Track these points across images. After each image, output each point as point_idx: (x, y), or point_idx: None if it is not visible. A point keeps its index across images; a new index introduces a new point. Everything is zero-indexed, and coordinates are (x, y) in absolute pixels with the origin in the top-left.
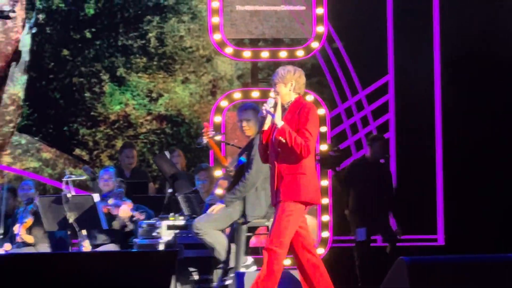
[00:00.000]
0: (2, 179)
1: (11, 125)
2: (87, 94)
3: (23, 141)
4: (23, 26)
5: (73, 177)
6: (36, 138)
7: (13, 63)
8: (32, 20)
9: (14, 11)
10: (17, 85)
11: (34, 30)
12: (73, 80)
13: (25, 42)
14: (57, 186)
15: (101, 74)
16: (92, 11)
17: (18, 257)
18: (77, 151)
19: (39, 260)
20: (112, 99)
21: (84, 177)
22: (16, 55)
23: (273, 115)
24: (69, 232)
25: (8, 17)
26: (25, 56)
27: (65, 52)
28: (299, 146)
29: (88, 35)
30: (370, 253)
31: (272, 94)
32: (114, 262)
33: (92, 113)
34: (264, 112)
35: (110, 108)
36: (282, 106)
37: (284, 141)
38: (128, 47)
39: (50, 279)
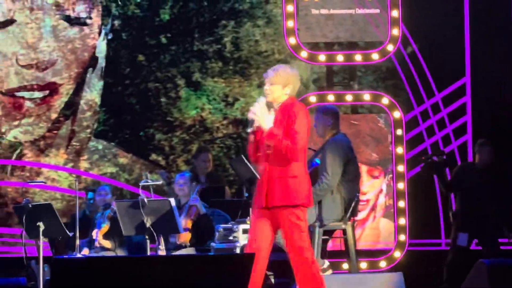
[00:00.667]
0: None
1: (88, 130)
2: (163, 99)
3: (100, 147)
4: (99, 33)
5: (150, 182)
6: (113, 144)
7: (90, 69)
8: (108, 26)
9: (90, 18)
10: (93, 91)
11: (110, 36)
12: (148, 85)
13: (101, 48)
14: (134, 191)
15: (176, 79)
16: (167, 17)
17: (97, 260)
18: (153, 156)
19: (117, 264)
20: (188, 104)
21: (160, 182)
22: (92, 61)
23: (264, 118)
24: (146, 237)
25: (84, 24)
26: (101, 62)
27: (141, 57)
28: (285, 149)
29: (164, 40)
30: (465, 260)
31: (265, 90)
32: (192, 266)
33: (168, 118)
34: (252, 113)
35: (186, 113)
36: (272, 107)
37: (270, 144)
38: (203, 52)
39: (128, 283)
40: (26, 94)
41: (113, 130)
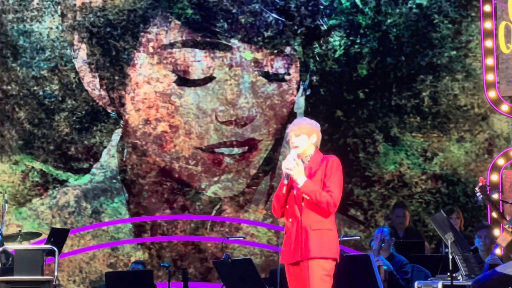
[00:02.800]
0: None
1: None
2: (361, 154)
3: None
4: (298, 88)
5: (348, 237)
6: None
7: (288, 125)
8: (306, 82)
9: (289, 74)
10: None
11: (308, 92)
12: (347, 140)
13: (300, 104)
14: None
15: (375, 134)
16: (365, 72)
17: None
18: (352, 211)
19: None
20: (386, 159)
21: (358, 237)
22: (291, 117)
23: (299, 171)
24: None
25: (283, 80)
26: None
27: (339, 112)
28: (324, 202)
29: (361, 95)
30: None
31: (292, 144)
32: None
33: (366, 173)
34: (285, 168)
35: (384, 168)
36: (301, 159)
37: (308, 198)
38: (401, 106)
39: None
40: (225, 150)
41: None
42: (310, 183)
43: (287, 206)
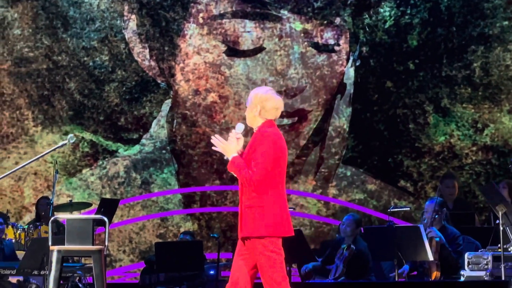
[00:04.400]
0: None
1: (337, 157)
2: (411, 126)
3: (349, 173)
4: (348, 59)
5: (398, 208)
6: (361, 170)
7: (338, 96)
8: (356, 53)
9: (338, 44)
10: (341, 118)
11: (358, 63)
12: (397, 111)
13: (349, 75)
14: (382, 218)
15: (425, 105)
16: (415, 43)
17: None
18: (402, 183)
19: None
20: (436, 130)
21: (408, 208)
22: (340, 87)
23: (226, 147)
24: (395, 262)
25: (332, 50)
26: (350, 89)
27: (389, 83)
28: (244, 180)
29: (412, 66)
30: None
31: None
32: None
33: (416, 145)
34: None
35: (434, 139)
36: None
37: (234, 174)
38: (452, 77)
39: None
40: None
41: (361, 156)
42: (235, 161)
43: None
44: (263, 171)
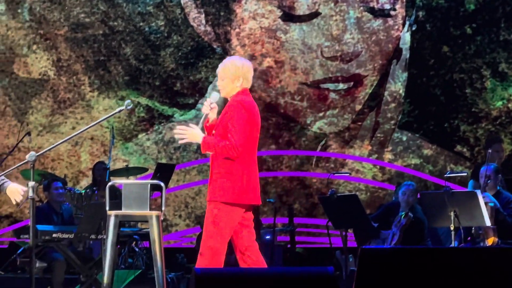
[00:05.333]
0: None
1: (392, 122)
2: (468, 90)
3: (404, 138)
4: (403, 24)
5: (454, 174)
6: (417, 135)
7: (394, 61)
8: (412, 18)
9: (394, 9)
10: (397, 83)
11: (414, 28)
12: (453, 76)
13: (405, 40)
14: (438, 183)
15: (482, 69)
16: (472, 7)
17: (402, 251)
18: (458, 148)
19: (423, 255)
20: (493, 95)
21: (465, 173)
22: (396, 52)
23: (193, 134)
24: (451, 228)
25: (388, 15)
26: (406, 54)
27: (445, 48)
28: (225, 153)
29: (469, 30)
30: None
31: (218, 86)
32: (498, 258)
33: (473, 109)
34: (203, 112)
35: (491, 104)
36: (227, 100)
37: (212, 153)
38: (510, 42)
39: (433, 274)
40: (330, 85)
41: (417, 121)
42: (206, 140)
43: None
44: (243, 137)
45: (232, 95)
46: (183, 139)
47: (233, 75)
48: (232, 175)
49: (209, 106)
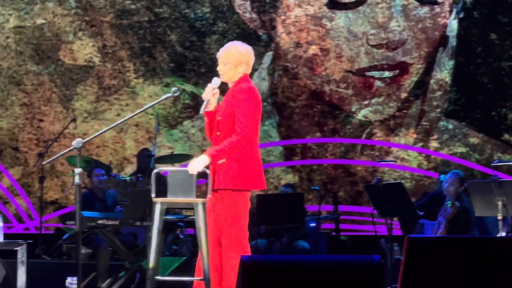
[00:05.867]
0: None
1: (438, 110)
2: None
3: (450, 126)
4: (450, 11)
5: (502, 162)
6: (464, 123)
7: (440, 49)
8: (460, 5)
9: None
10: (444, 71)
11: (461, 15)
12: (501, 64)
13: (452, 27)
14: (485, 171)
15: None
16: None
17: (449, 240)
18: (506, 136)
19: (470, 244)
20: None
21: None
22: (443, 40)
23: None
24: (499, 217)
25: (435, 3)
26: (452, 41)
27: (493, 36)
28: (234, 148)
29: None
30: None
31: (219, 71)
32: None
33: None
34: (204, 97)
35: None
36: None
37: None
38: None
39: (480, 263)
40: (376, 73)
41: (464, 109)
42: (212, 153)
43: (218, 133)
44: (253, 125)
45: (233, 80)
46: (192, 174)
47: (236, 61)
48: (245, 161)
49: (211, 92)
